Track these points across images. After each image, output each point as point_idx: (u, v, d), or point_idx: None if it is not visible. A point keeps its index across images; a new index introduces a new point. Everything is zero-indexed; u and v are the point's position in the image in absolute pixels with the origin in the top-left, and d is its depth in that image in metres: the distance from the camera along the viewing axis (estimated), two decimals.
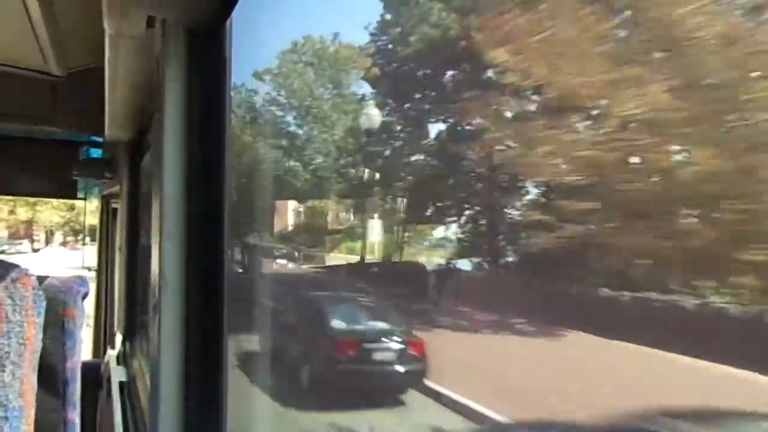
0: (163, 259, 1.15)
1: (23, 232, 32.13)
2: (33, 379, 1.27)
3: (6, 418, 1.17)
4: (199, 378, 1.18)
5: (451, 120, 6.29)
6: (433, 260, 6.48)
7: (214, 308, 1.17)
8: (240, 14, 1.10)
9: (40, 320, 1.25)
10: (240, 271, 7.14)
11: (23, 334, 1.19)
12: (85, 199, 3.69)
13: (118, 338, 2.81)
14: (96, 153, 2.98)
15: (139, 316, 2.68)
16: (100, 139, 2.88)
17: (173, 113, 1.15)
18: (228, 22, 1.14)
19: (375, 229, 7.43)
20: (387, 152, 7.13)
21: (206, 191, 1.16)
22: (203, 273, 1.16)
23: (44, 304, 1.25)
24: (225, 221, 1.16)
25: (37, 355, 1.27)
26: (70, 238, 32.25)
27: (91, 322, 3.59)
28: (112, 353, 2.77)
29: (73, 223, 30.91)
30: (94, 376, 2.60)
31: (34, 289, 1.21)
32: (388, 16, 7.13)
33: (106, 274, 3.56)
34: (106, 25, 1.23)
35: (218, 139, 1.16)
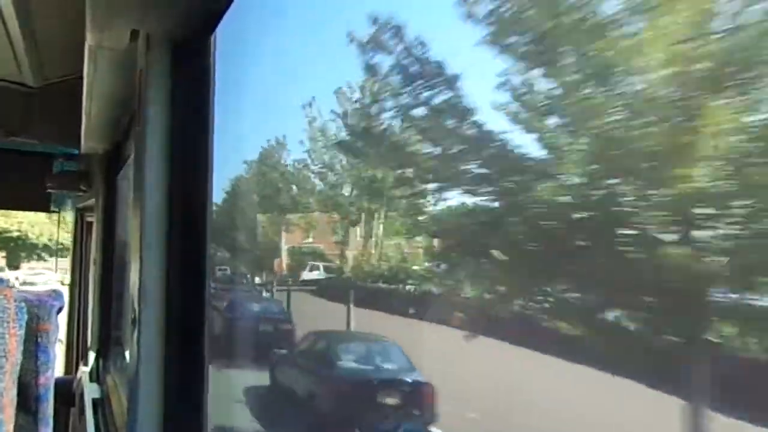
0: (144, 271, 1.14)
1: None
2: (13, 393, 1.23)
3: None
4: (180, 393, 1.16)
5: None
6: None
7: (195, 321, 1.16)
8: (224, 28, 1.11)
9: (21, 333, 1.22)
10: None
11: (5, 347, 1.16)
12: (58, 212, 3.61)
13: (91, 354, 2.74)
14: (70, 165, 2.93)
15: (114, 331, 2.63)
16: (75, 152, 2.84)
17: (155, 126, 1.15)
18: (212, 36, 1.15)
19: None
20: None
21: (189, 203, 1.15)
22: (185, 285, 1.15)
23: (26, 317, 1.23)
24: (208, 233, 1.16)
25: (18, 369, 1.23)
26: None
27: (64, 337, 3.50)
28: (84, 370, 2.71)
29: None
30: (66, 393, 2.53)
31: (15, 301, 1.18)
32: None
33: (80, 289, 3.49)
34: (88, 37, 1.22)
35: (202, 152, 1.16)
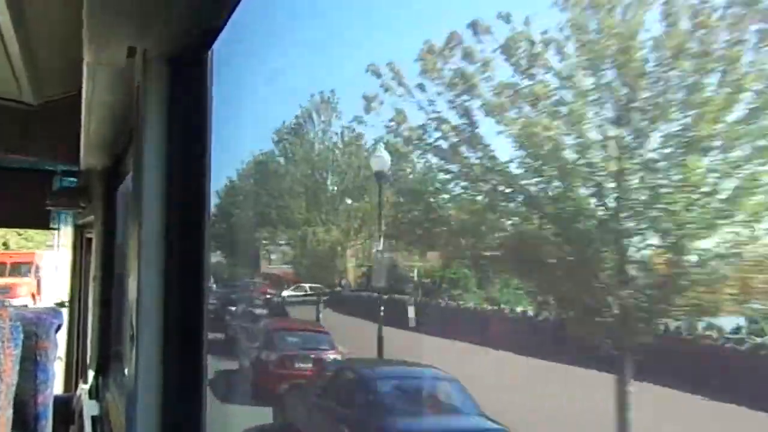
0: (142, 286, 1.13)
1: None
2: (9, 412, 1.23)
3: None
4: (178, 410, 1.15)
5: None
6: None
7: (193, 337, 1.16)
8: (222, 44, 1.11)
9: (17, 352, 1.21)
10: None
11: (0, 367, 1.15)
12: (58, 229, 3.62)
13: (91, 372, 2.73)
14: (70, 182, 2.94)
15: (114, 348, 2.62)
16: (74, 168, 2.84)
17: (153, 142, 1.16)
18: (209, 52, 1.15)
19: None
20: None
21: (187, 219, 1.15)
22: (183, 301, 1.14)
23: (21, 336, 1.22)
24: (206, 247, 1.16)
25: (13, 389, 1.23)
26: None
27: (63, 354, 3.48)
28: (84, 387, 2.70)
29: None
30: (65, 410, 2.52)
31: (11, 320, 1.18)
32: None
33: (79, 306, 3.48)
34: (85, 54, 1.23)
35: (199, 167, 1.17)
